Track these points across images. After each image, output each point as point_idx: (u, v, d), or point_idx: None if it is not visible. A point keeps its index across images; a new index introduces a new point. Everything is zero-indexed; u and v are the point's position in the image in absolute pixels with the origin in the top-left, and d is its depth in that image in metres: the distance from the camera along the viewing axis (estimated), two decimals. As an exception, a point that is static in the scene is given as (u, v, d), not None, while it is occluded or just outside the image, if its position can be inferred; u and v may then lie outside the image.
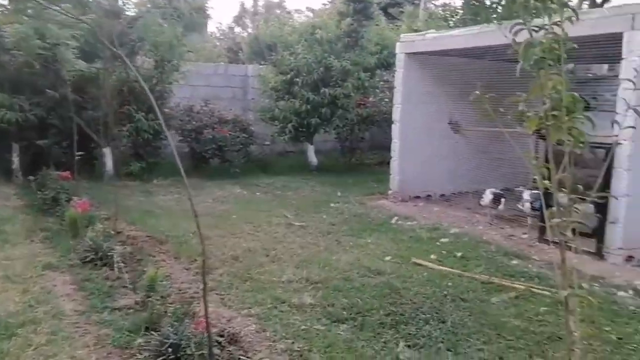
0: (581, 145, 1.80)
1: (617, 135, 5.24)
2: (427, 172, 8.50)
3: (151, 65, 9.69)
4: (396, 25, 14.38)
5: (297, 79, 10.29)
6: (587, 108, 6.94)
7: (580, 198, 5.90)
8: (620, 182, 5.22)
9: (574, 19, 1.82)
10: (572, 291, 2.00)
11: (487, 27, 6.75)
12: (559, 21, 1.80)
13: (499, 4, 10.48)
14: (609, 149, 5.30)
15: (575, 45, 1.89)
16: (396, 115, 8.40)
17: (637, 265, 5.23)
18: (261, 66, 11.78)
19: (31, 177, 7.76)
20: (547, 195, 2.23)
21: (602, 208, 5.40)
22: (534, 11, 1.94)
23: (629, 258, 5.28)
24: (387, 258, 5.34)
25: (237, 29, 26.27)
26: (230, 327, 3.70)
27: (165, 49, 9.37)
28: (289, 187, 9.34)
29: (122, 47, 7.88)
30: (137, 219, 6.62)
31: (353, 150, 12.04)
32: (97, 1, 8.38)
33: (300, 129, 10.73)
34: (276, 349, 3.40)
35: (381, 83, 12.17)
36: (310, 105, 10.27)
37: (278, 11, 26.09)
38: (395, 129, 8.43)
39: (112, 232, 5.52)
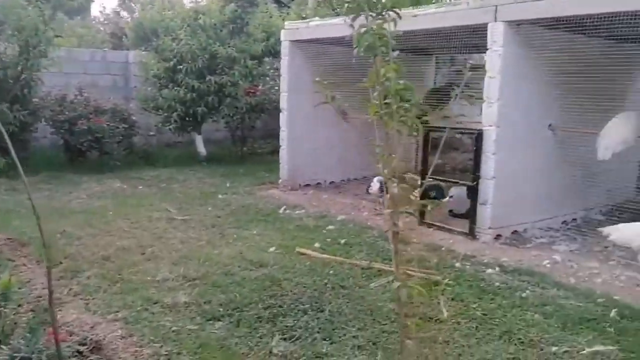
0: (415, 134, 1.79)
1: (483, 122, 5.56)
2: (317, 160, 8.52)
3: (15, 51, 8.80)
4: (285, 13, 14.26)
5: (181, 66, 9.84)
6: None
7: (453, 182, 6.15)
8: (488, 166, 5.50)
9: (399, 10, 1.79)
10: (403, 283, 2.00)
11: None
12: (391, 9, 1.77)
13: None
14: (478, 135, 5.60)
15: (400, 32, 1.90)
16: (283, 103, 8.32)
17: (504, 243, 5.57)
18: (143, 52, 11.14)
19: None
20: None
21: (474, 191, 5.70)
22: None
23: (498, 236, 5.61)
24: (272, 249, 5.24)
25: (124, 13, 24.78)
26: (93, 334, 3.42)
27: (29, 33, 8.52)
28: (175, 180, 8.95)
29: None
30: (-3, 220, 5.99)
31: (244, 139, 11.80)
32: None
33: (187, 119, 10.31)
34: (142, 354, 3.18)
35: (271, 71, 12.03)
36: (195, 93, 9.89)
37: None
38: (283, 118, 8.35)
39: (-37, 237, 4.94)
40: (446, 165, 8.88)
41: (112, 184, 8.44)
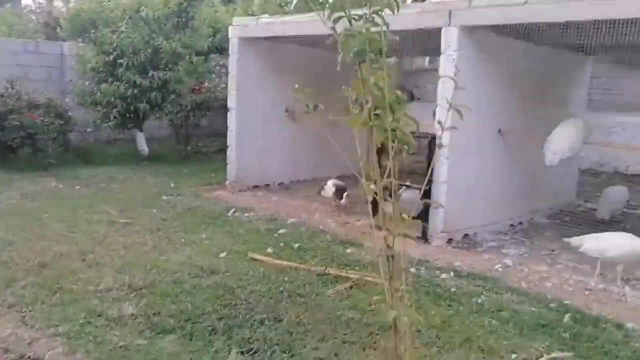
0: (406, 147, 1.67)
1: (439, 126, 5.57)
2: (266, 161, 8.34)
3: None
4: (232, 9, 13.92)
5: (121, 61, 9.37)
6: (411, 99, 7.32)
7: (407, 185, 6.11)
8: (441, 170, 5.52)
9: (395, 9, 1.67)
10: (399, 312, 1.88)
11: (314, 15, 6.72)
12: (379, 9, 1.63)
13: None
14: (432, 139, 5.61)
15: (397, 38, 1.76)
16: (232, 102, 8.07)
17: (456, 247, 5.61)
18: (80, 44, 10.53)
19: None
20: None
21: (427, 194, 5.70)
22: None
23: (450, 240, 5.64)
24: (223, 254, 5.03)
25: (57, 2, 23.50)
26: (32, 351, 3.15)
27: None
28: (115, 180, 8.50)
29: None
30: None
31: (189, 137, 11.41)
32: None
33: (128, 115, 9.84)
34: (87, 375, 2.92)
35: (217, 67, 11.71)
36: (137, 89, 9.44)
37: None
38: (232, 117, 8.10)
39: None
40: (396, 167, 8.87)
41: (47, 183, 7.92)
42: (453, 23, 5.36)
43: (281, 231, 5.90)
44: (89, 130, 10.87)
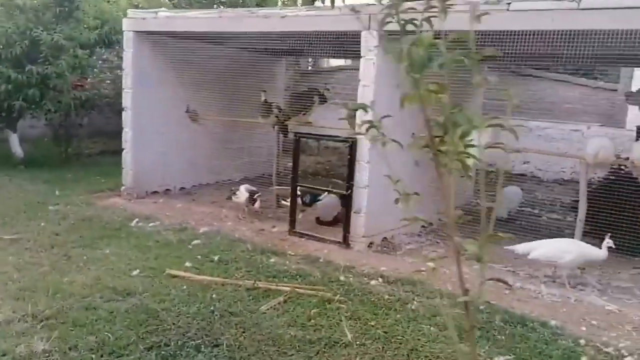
0: (470, 175, 1.50)
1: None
2: (166, 164, 7.79)
3: None
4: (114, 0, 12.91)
5: (-6, 52, 8.25)
6: (324, 101, 7.25)
7: (327, 190, 6.01)
8: (362, 175, 5.50)
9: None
10: None
11: (230, 12, 6.40)
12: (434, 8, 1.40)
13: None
14: (352, 143, 5.56)
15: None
16: (127, 101, 7.41)
17: (377, 251, 5.62)
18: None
19: None
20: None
21: (347, 199, 5.66)
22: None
23: (370, 244, 5.65)
24: (135, 272, 4.56)
25: None
26: None
27: None
28: (-13, 188, 7.46)
29: None
30: None
31: (69, 138, 10.36)
32: None
33: (0, 113, 8.67)
34: None
35: (99, 62, 10.77)
36: (12, 85, 8.35)
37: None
38: (127, 117, 7.44)
39: None
40: (310, 169, 8.81)
41: None
42: (373, 27, 5.35)
43: (195, 242, 5.51)
44: (-51, 130, 9.45)
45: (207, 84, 7.67)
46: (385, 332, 3.71)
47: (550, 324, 3.98)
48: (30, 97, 8.61)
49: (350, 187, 5.56)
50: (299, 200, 6.09)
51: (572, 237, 5.32)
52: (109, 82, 10.64)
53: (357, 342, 3.55)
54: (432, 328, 3.82)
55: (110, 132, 11.96)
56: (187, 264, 4.82)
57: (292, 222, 5.99)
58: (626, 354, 3.57)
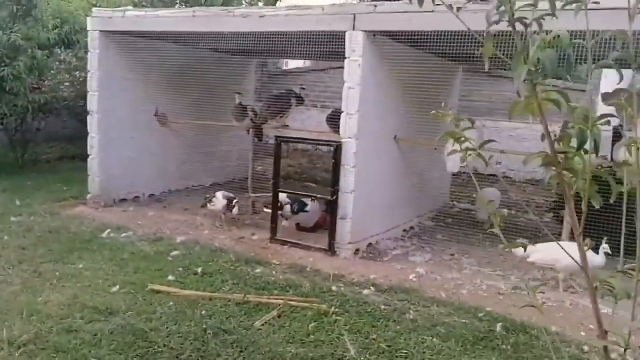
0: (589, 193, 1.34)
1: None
2: (134, 170, 7.41)
3: None
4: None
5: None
6: (301, 102, 7.05)
7: (312, 197, 5.82)
8: (348, 179, 5.34)
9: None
10: None
11: (205, 11, 6.12)
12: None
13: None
14: (337, 147, 5.41)
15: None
16: (93, 104, 7.00)
17: (363, 258, 5.48)
18: None
19: None
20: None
21: (332, 204, 5.49)
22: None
23: (356, 251, 5.50)
24: (115, 288, 4.26)
25: None
26: None
27: None
28: (-61, 198, 6.91)
29: None
30: None
31: (26, 143, 9.79)
32: None
33: (-50, 118, 8.09)
34: None
35: (56, 63, 10.23)
36: (-36, 87, 7.81)
37: None
38: (93, 121, 7.03)
39: None
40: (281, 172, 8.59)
41: None
42: (358, 27, 5.20)
43: (174, 253, 5.23)
44: None
45: (177, 86, 7.37)
46: (389, 346, 3.57)
47: (551, 330, 3.93)
48: (-17, 101, 8.07)
49: (335, 192, 5.40)
50: (288, 208, 5.86)
51: (559, 239, 5.33)
52: (67, 84, 10.12)
53: (362, 358, 3.40)
54: (434, 339, 3.70)
55: (68, 137, 11.43)
56: (170, 277, 4.55)
57: (274, 229, 5.78)
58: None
